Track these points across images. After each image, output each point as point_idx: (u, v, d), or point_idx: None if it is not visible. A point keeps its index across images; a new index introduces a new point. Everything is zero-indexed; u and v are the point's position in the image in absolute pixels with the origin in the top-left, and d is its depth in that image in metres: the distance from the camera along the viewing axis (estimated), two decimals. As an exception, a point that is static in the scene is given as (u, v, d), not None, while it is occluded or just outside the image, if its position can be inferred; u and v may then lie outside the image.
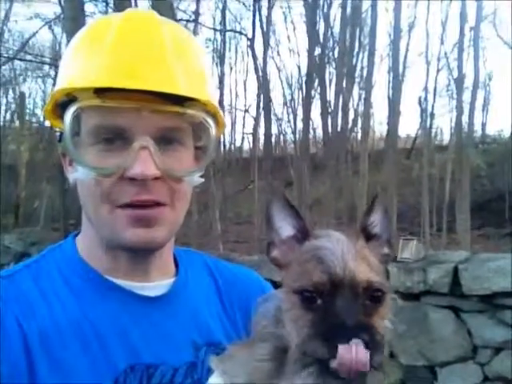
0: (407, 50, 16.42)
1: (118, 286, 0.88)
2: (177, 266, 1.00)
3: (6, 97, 20.00)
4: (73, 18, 5.88)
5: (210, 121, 0.88)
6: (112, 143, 0.82)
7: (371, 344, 0.63)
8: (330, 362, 0.63)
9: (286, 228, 0.77)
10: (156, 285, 0.92)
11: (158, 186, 0.83)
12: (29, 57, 14.64)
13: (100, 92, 0.81)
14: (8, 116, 19.97)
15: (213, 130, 0.88)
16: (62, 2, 10.68)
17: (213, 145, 0.89)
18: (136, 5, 11.95)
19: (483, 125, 19.47)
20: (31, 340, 0.78)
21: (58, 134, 0.90)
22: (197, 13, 15.28)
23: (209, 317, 0.96)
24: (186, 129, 0.87)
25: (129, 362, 0.83)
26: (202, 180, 0.91)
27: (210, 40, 19.34)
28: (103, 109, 0.81)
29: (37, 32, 15.36)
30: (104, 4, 11.16)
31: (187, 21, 16.75)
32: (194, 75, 0.88)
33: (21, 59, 15.52)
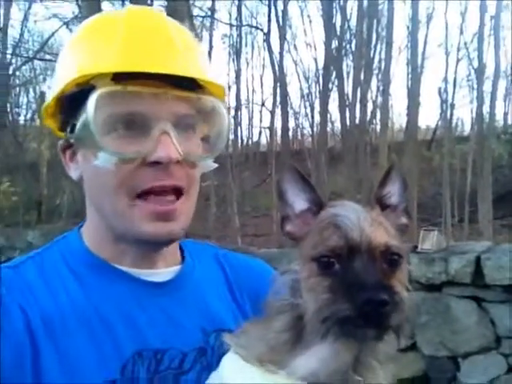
0: (426, 41, 16.20)
1: (124, 273, 0.88)
2: (182, 254, 1.00)
3: (27, 96, 20.39)
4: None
5: (221, 107, 0.89)
6: (131, 130, 0.83)
7: (391, 303, 0.64)
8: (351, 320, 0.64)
9: (299, 202, 0.77)
10: (162, 271, 0.92)
11: (178, 170, 0.84)
12: (48, 56, 14.83)
13: (117, 79, 0.81)
14: (29, 115, 20.34)
15: (225, 116, 0.89)
16: (80, 2, 10.81)
17: (226, 130, 0.90)
18: (152, 2, 12.01)
19: (505, 114, 19.08)
20: (35, 326, 0.78)
21: (63, 128, 0.89)
22: (213, 9, 15.29)
23: (218, 304, 0.96)
24: (198, 115, 0.88)
25: (136, 348, 0.82)
26: (216, 165, 0.92)
27: (226, 36, 19.34)
28: (122, 95, 0.81)
29: (55, 32, 15.57)
30: (120, 2, 11.25)
31: (203, 17, 16.81)
32: (201, 63, 0.90)
33: (40, 59, 15.77)
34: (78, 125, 0.84)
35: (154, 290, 0.89)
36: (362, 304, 0.63)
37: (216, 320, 0.92)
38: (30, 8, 16.34)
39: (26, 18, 16.73)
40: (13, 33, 15.78)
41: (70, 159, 0.91)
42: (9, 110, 18.01)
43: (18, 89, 18.98)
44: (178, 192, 0.85)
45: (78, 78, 0.82)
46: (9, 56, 15.77)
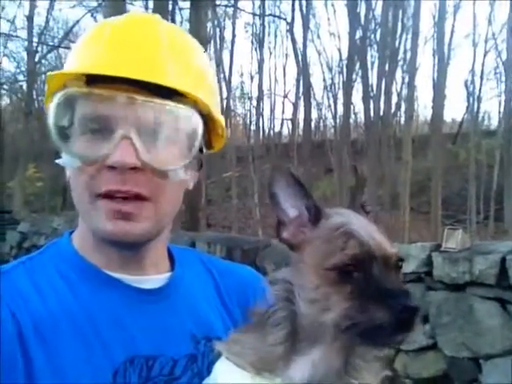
0: (453, 32, 15.84)
1: (114, 279, 0.88)
2: (172, 261, 0.99)
3: (52, 84, 20.60)
4: (114, 6, 6.00)
5: (197, 117, 0.87)
6: (97, 132, 0.83)
7: (415, 307, 0.65)
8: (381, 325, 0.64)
9: (293, 208, 0.75)
10: (152, 278, 0.92)
11: (139, 178, 0.82)
12: (73, 44, 14.99)
13: (91, 82, 0.82)
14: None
15: (199, 127, 0.87)
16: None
17: (198, 141, 0.87)
18: (176, -9, 11.99)
19: (534, 108, 18.56)
20: (26, 332, 0.77)
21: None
22: (236, -3, 15.21)
23: (208, 311, 0.96)
24: (173, 123, 0.86)
25: (127, 354, 0.82)
26: (187, 177, 0.89)
27: (249, 24, 19.26)
28: (92, 98, 0.82)
29: (80, 20, 15.73)
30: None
31: (226, 6, 16.72)
32: (188, 74, 0.87)
33: (65, 47, 15.94)
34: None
35: (144, 296, 0.89)
36: (400, 311, 0.64)
37: (206, 327, 0.93)
38: (55, -4, 16.51)
39: (51, 7, 16.95)
40: (38, 21, 16.01)
41: None
42: (34, 97, 18.33)
43: (43, 76, 19.27)
44: (140, 198, 0.84)
45: (56, 75, 0.84)
46: (35, 44, 16.01)
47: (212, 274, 1.03)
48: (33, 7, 15.47)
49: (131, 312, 0.86)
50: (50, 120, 0.83)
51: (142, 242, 0.88)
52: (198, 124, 0.87)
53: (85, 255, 0.90)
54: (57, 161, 0.87)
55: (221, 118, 0.93)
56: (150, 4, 11.28)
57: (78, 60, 0.87)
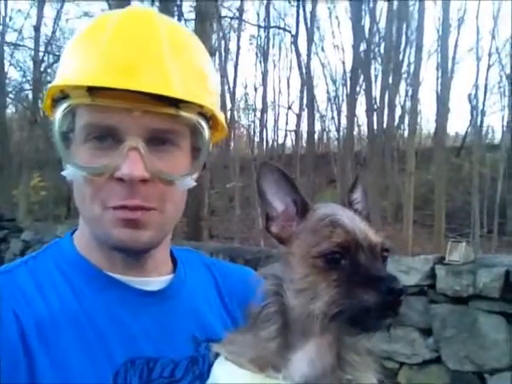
0: (456, 46, 15.92)
1: (116, 280, 0.88)
2: (174, 263, 0.99)
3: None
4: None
5: (204, 123, 0.86)
6: (103, 142, 0.81)
7: (400, 289, 0.66)
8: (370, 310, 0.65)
9: (281, 202, 0.76)
10: (154, 280, 0.92)
11: (147, 188, 0.82)
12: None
13: (93, 90, 0.79)
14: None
15: (206, 133, 0.86)
16: (110, 1, 10.97)
17: (206, 148, 0.87)
18: (181, 3, 12.12)
19: (538, 122, 18.54)
20: (28, 331, 0.77)
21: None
22: (241, 10, 15.34)
23: (209, 313, 0.95)
24: (180, 130, 0.85)
25: (128, 355, 0.82)
26: (194, 184, 0.88)
27: (253, 37, 19.37)
28: (95, 107, 0.80)
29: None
30: (150, 1, 11.36)
31: (231, 18, 16.87)
32: (191, 76, 0.86)
33: (72, 57, 16.01)
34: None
35: (146, 298, 0.89)
36: (385, 293, 0.65)
37: (207, 329, 0.92)
38: (62, 7, 16.69)
39: (58, 17, 17.10)
40: (45, 31, 16.14)
41: None
42: (40, 106, 18.41)
43: (48, 85, 19.37)
44: (148, 210, 0.84)
45: (58, 86, 0.82)
46: (41, 53, 16.14)
47: (214, 275, 1.03)
48: (40, 18, 15.62)
49: (133, 313, 0.86)
50: (56, 131, 0.81)
51: (148, 249, 0.88)
52: (205, 131, 0.87)
53: (87, 256, 0.89)
54: (62, 173, 0.85)
55: (221, 116, 0.92)
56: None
57: (78, 65, 0.83)
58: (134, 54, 0.81)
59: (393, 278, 0.67)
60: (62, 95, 0.83)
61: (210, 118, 0.89)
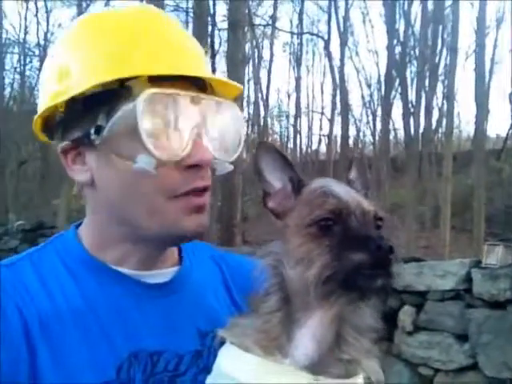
0: (495, 46, 15.47)
1: (120, 273, 0.87)
2: (180, 255, 0.98)
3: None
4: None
5: (239, 110, 0.91)
6: (168, 133, 0.81)
7: (389, 246, 0.67)
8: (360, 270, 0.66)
9: (278, 180, 0.79)
10: (160, 273, 0.91)
11: (207, 171, 0.86)
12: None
13: (152, 81, 0.79)
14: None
15: (242, 119, 0.90)
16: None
17: (243, 132, 0.91)
18: (214, 12, 12.30)
19: None
20: (31, 325, 0.77)
21: (66, 130, 0.86)
22: (274, 17, 15.44)
23: (216, 304, 0.94)
24: (229, 119, 0.90)
25: (131, 349, 0.82)
26: (232, 168, 0.92)
27: (287, 44, 19.44)
28: (161, 98, 0.80)
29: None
30: (185, 12, 11.54)
31: (264, 26, 17.00)
32: (205, 59, 0.91)
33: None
34: (108, 127, 0.81)
35: (151, 291, 0.88)
36: (374, 250, 0.66)
37: (213, 321, 0.90)
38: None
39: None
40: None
41: (73, 162, 0.88)
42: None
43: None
44: (207, 190, 0.87)
45: (118, 79, 0.79)
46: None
47: (221, 268, 1.02)
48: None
49: (137, 307, 0.86)
50: (140, 122, 0.78)
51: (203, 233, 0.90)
52: (241, 115, 0.91)
53: (93, 252, 0.89)
54: (135, 166, 0.81)
55: (225, 79, 0.93)
56: (189, 25, 11.57)
57: (121, 58, 0.81)
58: (177, 44, 0.86)
59: (381, 237, 0.68)
60: (102, 89, 0.79)
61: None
